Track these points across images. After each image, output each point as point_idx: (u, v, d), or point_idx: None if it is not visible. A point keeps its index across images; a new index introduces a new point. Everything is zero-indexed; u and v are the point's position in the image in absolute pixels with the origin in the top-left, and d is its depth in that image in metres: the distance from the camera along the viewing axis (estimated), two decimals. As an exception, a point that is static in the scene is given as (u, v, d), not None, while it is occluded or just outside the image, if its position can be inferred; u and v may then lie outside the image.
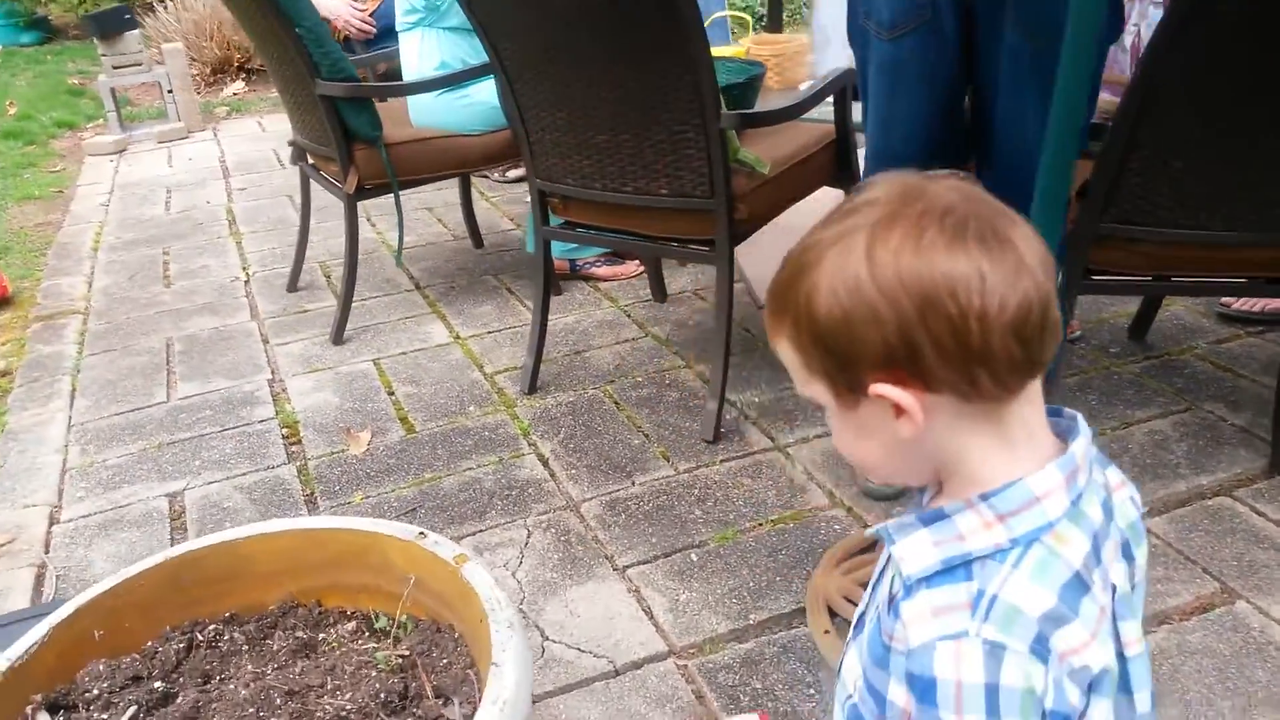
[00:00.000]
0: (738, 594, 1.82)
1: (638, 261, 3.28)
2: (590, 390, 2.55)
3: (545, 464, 2.25)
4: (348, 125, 2.67)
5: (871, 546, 1.88)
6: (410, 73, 2.96)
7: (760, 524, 2.01)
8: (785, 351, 0.73)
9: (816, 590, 1.78)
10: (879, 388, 0.67)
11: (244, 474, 2.28)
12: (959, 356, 0.65)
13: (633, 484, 2.16)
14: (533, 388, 2.55)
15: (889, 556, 0.78)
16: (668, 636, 1.73)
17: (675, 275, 3.18)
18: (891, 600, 0.74)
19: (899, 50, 1.67)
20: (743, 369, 2.60)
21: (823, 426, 2.33)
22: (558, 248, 3.09)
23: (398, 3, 2.93)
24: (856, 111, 2.54)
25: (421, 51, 2.91)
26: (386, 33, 3.95)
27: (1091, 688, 0.67)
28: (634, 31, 1.95)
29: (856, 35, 1.80)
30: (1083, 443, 0.72)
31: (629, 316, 2.97)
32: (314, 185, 3.14)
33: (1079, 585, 0.68)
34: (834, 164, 2.50)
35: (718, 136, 2.04)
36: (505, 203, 4.07)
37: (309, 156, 3.07)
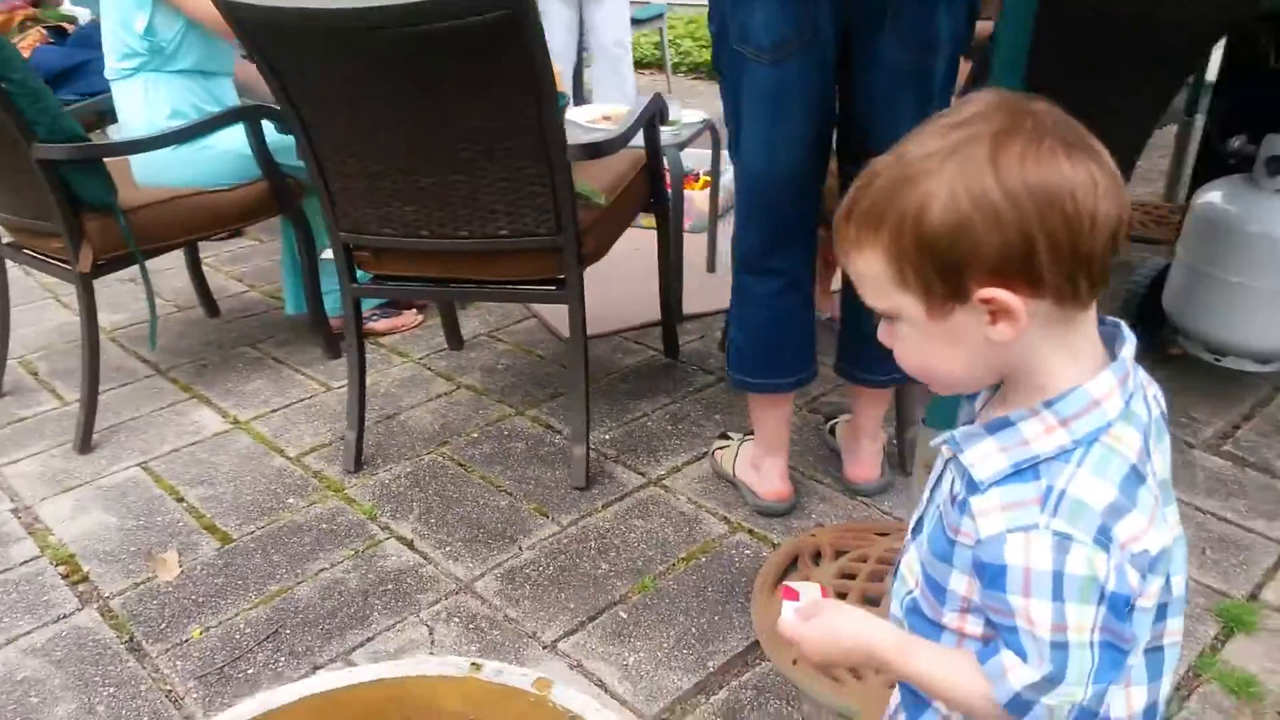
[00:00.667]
0: (685, 643, 1.71)
1: (415, 309, 3.04)
2: (426, 456, 2.31)
3: (411, 546, 1.99)
4: (75, 193, 2.22)
5: (794, 563, 1.85)
6: (134, 126, 2.52)
7: (672, 565, 1.91)
8: (872, 264, 0.74)
9: (763, 622, 1.71)
10: (989, 291, 0.70)
11: (29, 632, 1.80)
12: (1069, 259, 0.69)
13: (520, 549, 1.97)
14: (358, 464, 2.26)
15: (945, 463, 0.84)
16: (634, 707, 1.58)
17: (463, 320, 2.98)
18: (954, 499, 0.79)
19: (782, 74, 1.64)
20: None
21: (688, 451, 2.28)
22: (329, 305, 2.79)
23: (107, 47, 2.49)
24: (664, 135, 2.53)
25: (147, 101, 2.48)
26: (72, 74, 3.36)
27: (1151, 568, 0.73)
28: (473, 64, 1.78)
29: (728, 60, 1.73)
30: (1129, 348, 0.77)
31: (430, 370, 2.74)
32: (10, 270, 2.59)
33: (1136, 477, 0.73)
34: (647, 189, 2.46)
35: (566, 169, 1.92)
36: (225, 262, 3.61)
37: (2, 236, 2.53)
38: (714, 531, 2.00)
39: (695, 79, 6.87)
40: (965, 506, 0.76)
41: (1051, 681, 0.72)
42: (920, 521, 0.89)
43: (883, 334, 0.80)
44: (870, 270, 0.75)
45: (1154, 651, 0.80)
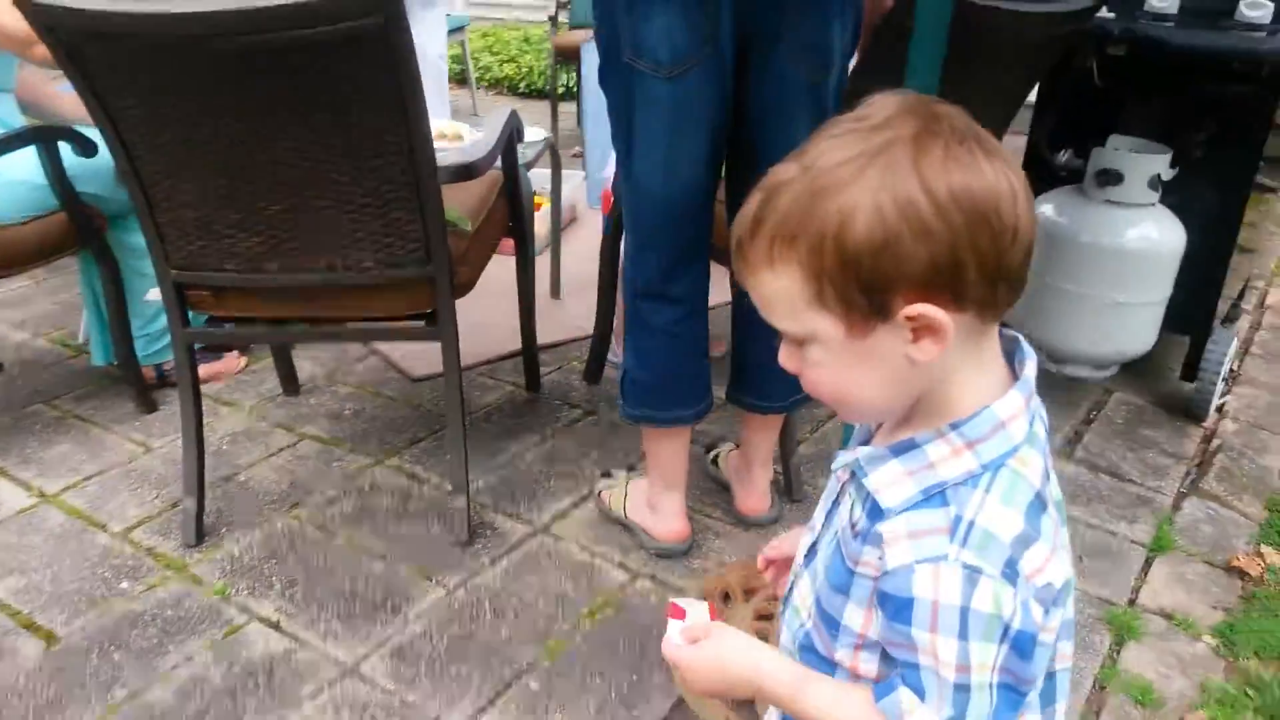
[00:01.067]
0: (608, 710, 1.57)
1: (237, 352, 2.75)
2: (278, 520, 2.06)
3: (278, 629, 1.75)
4: None
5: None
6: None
7: (577, 622, 1.77)
8: (785, 283, 0.69)
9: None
10: (917, 307, 0.67)
11: None
12: (994, 271, 0.67)
13: (407, 620, 1.77)
14: (200, 536, 1.98)
15: (841, 485, 0.81)
16: (566, 790, 1.44)
17: (295, 361, 2.71)
18: (854, 528, 0.76)
19: (681, 89, 1.54)
20: (443, 452, 2.29)
21: (570, 494, 2.14)
22: (141, 351, 2.47)
23: None
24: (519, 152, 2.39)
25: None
26: None
27: (1055, 601, 0.71)
28: (338, 77, 1.58)
29: (618, 75, 1.62)
30: (1032, 366, 0.76)
31: (266, 421, 2.46)
32: None
33: (1040, 504, 0.71)
34: (507, 212, 2.31)
35: (437, 193, 1.75)
36: (-1, 307, 3.15)
37: None
38: (614, 580, 1.88)
39: (496, 94, 6.72)
40: (868, 536, 0.73)
41: None
42: (814, 549, 0.85)
43: (786, 359, 0.75)
44: (782, 290, 0.70)
45: (1046, 679, 0.78)
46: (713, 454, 2.21)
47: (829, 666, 0.80)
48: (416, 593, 1.84)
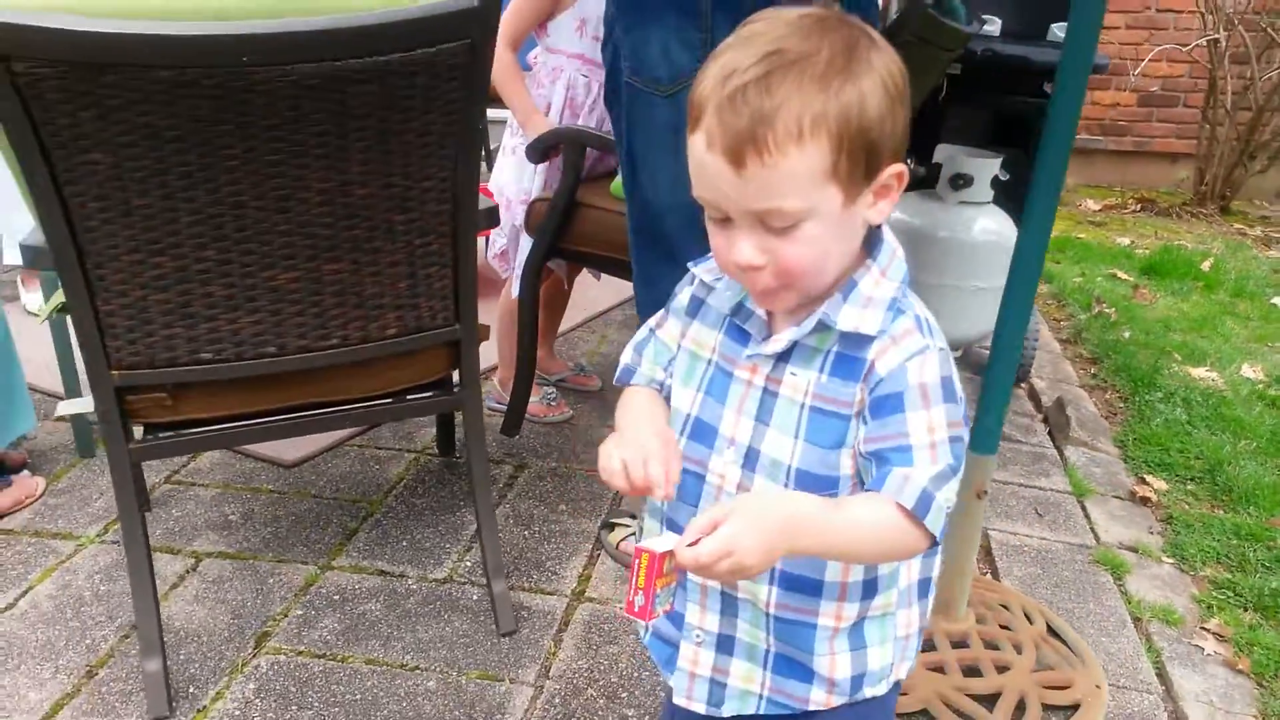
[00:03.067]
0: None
1: (28, 471, 2.17)
2: (256, 659, 1.66)
3: (363, 785, 1.42)
4: None
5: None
6: None
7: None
8: (811, 158, 0.76)
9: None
10: (897, 167, 0.81)
11: None
12: (908, 134, 0.82)
13: (509, 733, 1.52)
14: (171, 705, 1.55)
15: (747, 385, 0.88)
16: None
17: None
18: (825, 385, 0.84)
19: (679, 105, 1.52)
20: (393, 540, 1.99)
21: (575, 554, 1.97)
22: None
23: None
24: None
25: None
26: None
27: None
28: (394, 112, 1.32)
29: (621, 94, 1.54)
30: None
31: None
32: None
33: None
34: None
35: (472, 241, 1.54)
36: None
37: None
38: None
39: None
40: (853, 370, 0.83)
41: (952, 471, 0.82)
42: (752, 453, 0.87)
43: (754, 254, 0.79)
44: (805, 166, 0.76)
45: None
46: (619, 532, 2.00)
47: None
48: (498, 698, 1.59)
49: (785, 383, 0.86)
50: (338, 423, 1.61)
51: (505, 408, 2.40)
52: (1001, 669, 1.66)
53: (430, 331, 1.57)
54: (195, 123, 1.26)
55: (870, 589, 0.90)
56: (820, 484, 0.85)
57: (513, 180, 2.29)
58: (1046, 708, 1.60)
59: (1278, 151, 4.97)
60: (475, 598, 1.82)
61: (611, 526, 1.99)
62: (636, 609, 0.76)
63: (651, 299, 1.69)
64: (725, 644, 0.94)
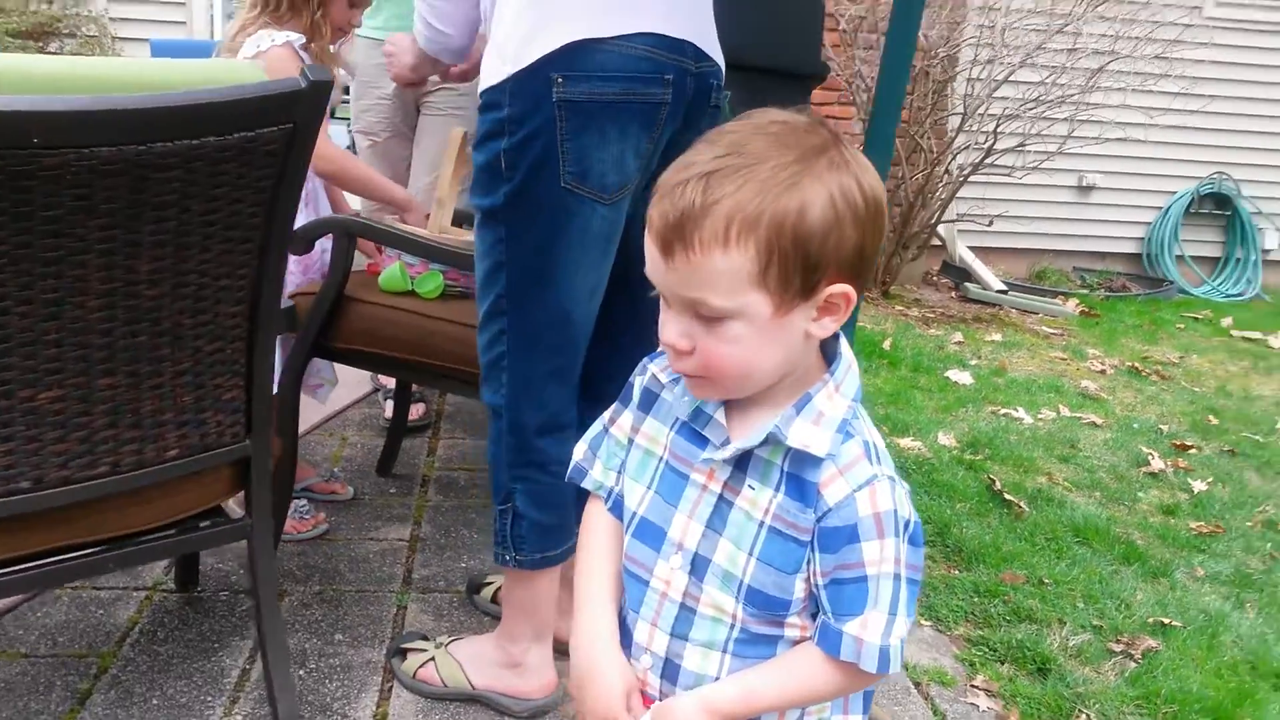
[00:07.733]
0: None
1: None
2: None
3: None
4: None
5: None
6: None
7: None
8: (736, 261, 0.75)
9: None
10: (840, 286, 0.79)
11: None
12: (876, 257, 0.82)
13: None
14: None
15: (720, 490, 0.86)
16: None
17: None
18: (783, 507, 0.83)
19: (616, 213, 1.45)
20: (126, 707, 1.67)
21: (363, 692, 1.77)
22: None
23: None
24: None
25: None
26: None
27: None
28: (199, 200, 1.14)
29: (546, 200, 1.42)
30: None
31: None
32: None
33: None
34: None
35: (270, 345, 1.36)
36: None
37: None
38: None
39: None
40: (805, 495, 0.81)
41: (907, 614, 0.82)
42: (700, 560, 0.87)
43: (681, 337, 0.80)
44: (730, 268, 0.76)
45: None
46: (484, 590, 2.01)
47: (772, 643, 0.86)
48: None
49: (744, 495, 0.85)
50: (102, 566, 1.34)
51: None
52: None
53: (216, 451, 1.36)
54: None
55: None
56: (772, 605, 0.85)
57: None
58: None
59: (925, 241, 5.71)
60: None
61: (401, 653, 1.81)
62: None
63: (518, 426, 1.56)
64: None
